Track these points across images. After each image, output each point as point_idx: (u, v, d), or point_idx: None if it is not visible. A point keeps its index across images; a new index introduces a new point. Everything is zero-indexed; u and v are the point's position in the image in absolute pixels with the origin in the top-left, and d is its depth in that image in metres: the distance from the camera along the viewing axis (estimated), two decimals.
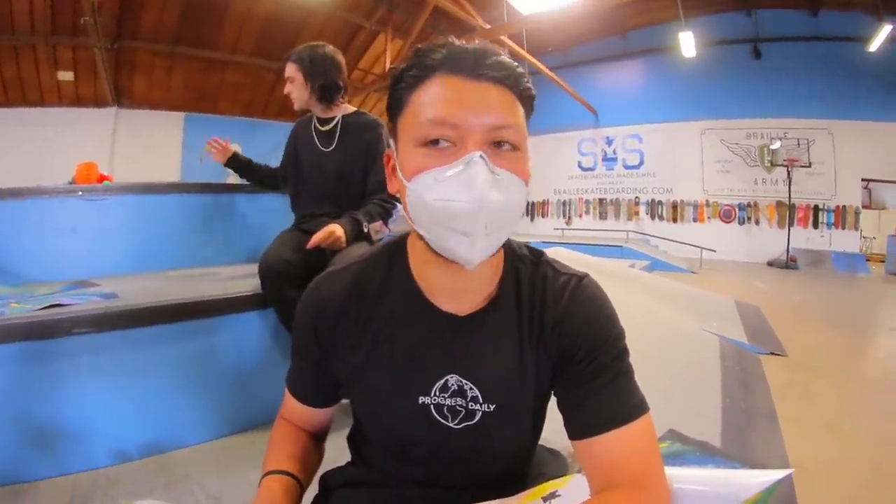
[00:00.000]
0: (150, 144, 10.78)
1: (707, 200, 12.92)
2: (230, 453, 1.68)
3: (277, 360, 1.93)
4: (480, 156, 0.57)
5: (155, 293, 1.82)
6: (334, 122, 2.13)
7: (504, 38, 9.97)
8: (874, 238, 14.11)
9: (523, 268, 0.73)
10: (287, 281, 1.77)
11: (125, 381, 1.61)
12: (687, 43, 10.02)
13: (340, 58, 2.15)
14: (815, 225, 11.77)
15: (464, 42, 0.64)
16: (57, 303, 1.62)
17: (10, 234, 2.36)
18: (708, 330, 3.72)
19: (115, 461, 1.56)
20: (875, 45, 9.86)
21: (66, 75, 9.41)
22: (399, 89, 0.65)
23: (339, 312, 0.73)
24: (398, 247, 0.75)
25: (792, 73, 11.72)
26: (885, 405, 2.75)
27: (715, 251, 11.07)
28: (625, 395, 0.66)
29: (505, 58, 0.63)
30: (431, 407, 0.70)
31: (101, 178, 3.17)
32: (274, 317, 1.90)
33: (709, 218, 12.90)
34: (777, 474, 0.68)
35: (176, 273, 2.48)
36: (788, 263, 10.79)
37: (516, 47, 10.68)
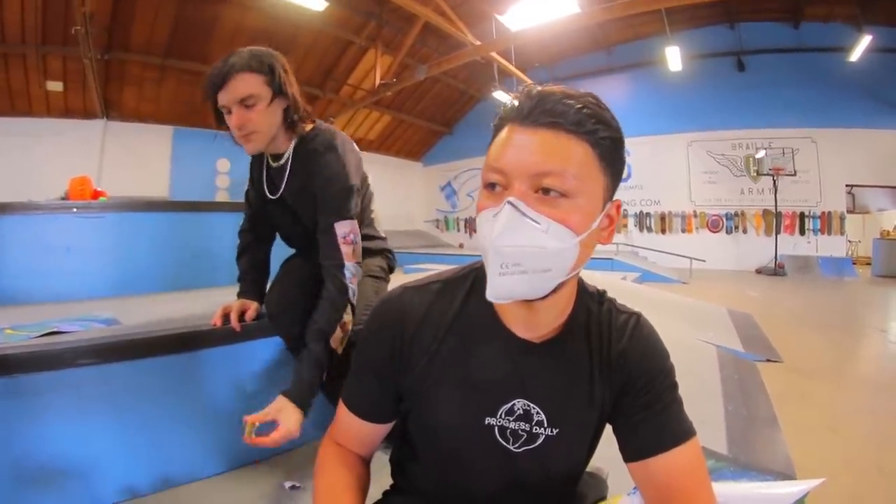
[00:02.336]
0: (139, 157, 10.68)
1: (695, 211, 13.08)
2: (245, 485, 1.63)
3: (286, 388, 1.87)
4: (510, 201, 0.60)
5: (159, 319, 1.75)
6: (286, 155, 1.57)
7: (493, 55, 10.09)
8: (859, 241, 14.52)
9: (592, 304, 0.78)
10: (294, 318, 1.61)
11: (133, 413, 1.53)
12: (673, 57, 10.20)
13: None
14: (802, 231, 11.95)
15: (541, 87, 0.66)
16: (56, 330, 1.52)
17: (1, 252, 2.27)
18: (704, 339, 3.75)
19: (124, 497, 1.48)
20: (856, 54, 10.14)
21: (55, 85, 9.29)
22: (491, 138, 0.69)
23: (419, 325, 0.75)
24: (479, 272, 0.78)
25: (775, 84, 11.96)
26: (882, 405, 2.80)
27: (704, 261, 11.18)
28: (676, 421, 0.72)
29: (570, 100, 0.62)
30: (496, 429, 0.73)
31: (96, 194, 3.06)
32: (282, 343, 1.80)
33: (697, 228, 13.04)
34: (809, 484, 0.75)
35: (174, 295, 2.39)
36: (777, 270, 10.95)
37: (504, 62, 10.83)
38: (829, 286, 9.18)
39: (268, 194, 1.65)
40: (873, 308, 6.98)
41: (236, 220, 2.72)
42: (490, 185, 0.64)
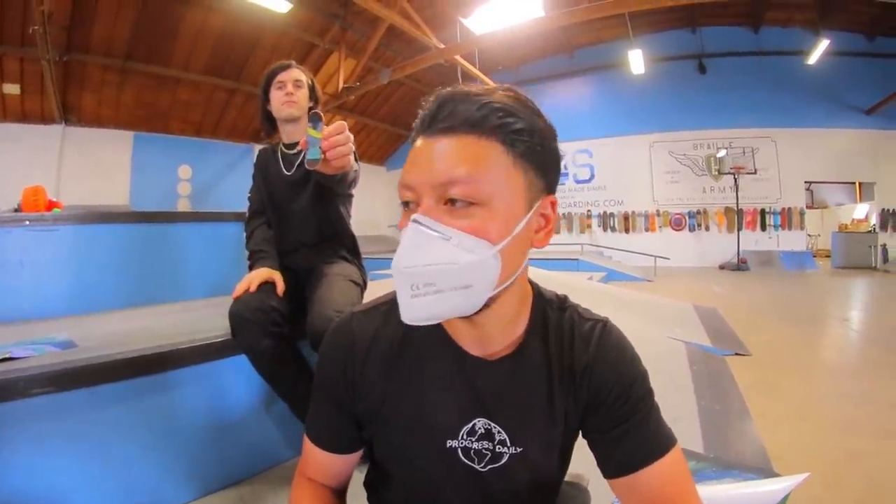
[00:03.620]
0: (98, 164, 10.34)
1: (658, 210, 13.33)
2: None
3: (258, 406, 1.78)
4: (415, 219, 0.57)
5: (118, 340, 1.61)
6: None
7: (457, 58, 10.12)
8: (818, 235, 15.16)
9: (551, 312, 0.73)
10: (260, 330, 1.54)
11: (95, 444, 1.40)
12: (636, 60, 10.37)
13: None
14: (763, 227, 12.34)
15: (444, 92, 0.62)
16: (7, 356, 1.39)
17: None
18: (672, 336, 3.81)
19: None
20: (814, 58, 10.50)
21: (11, 88, 8.88)
22: None
23: (368, 350, 0.72)
24: None
25: (736, 86, 12.36)
26: (846, 390, 2.90)
27: (668, 259, 11.39)
28: (657, 430, 0.69)
29: (473, 100, 0.59)
30: (459, 450, 0.69)
31: (51, 205, 2.85)
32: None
33: (660, 227, 13.30)
34: (794, 479, 0.75)
35: (134, 312, 2.26)
36: (739, 265, 11.30)
37: (468, 65, 10.87)
38: (791, 279, 9.47)
39: (284, 172, 1.92)
40: (834, 298, 7.20)
41: (201, 231, 2.70)
42: (404, 203, 0.61)
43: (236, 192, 11.02)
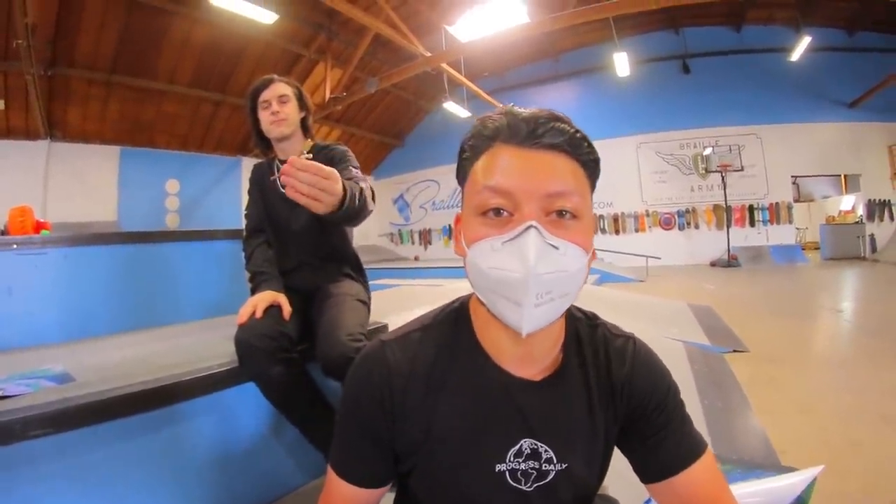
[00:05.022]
0: (85, 180, 10.20)
1: (647, 210, 13.37)
2: None
3: (267, 434, 1.69)
4: (533, 225, 0.58)
5: (117, 372, 1.51)
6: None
7: (443, 65, 10.14)
8: (806, 228, 15.39)
9: (582, 329, 0.76)
10: (269, 357, 1.46)
11: (98, 484, 1.30)
12: (621, 63, 10.41)
13: None
14: (752, 223, 12.42)
15: (522, 109, 0.65)
16: (1, 394, 1.28)
17: None
18: (670, 336, 3.82)
19: None
20: (796, 54, 10.68)
21: None
22: (463, 159, 0.68)
23: (407, 381, 0.70)
24: (461, 312, 0.75)
25: (720, 85, 12.47)
26: (843, 381, 2.94)
27: (660, 258, 11.42)
28: (691, 435, 0.73)
29: (564, 124, 0.63)
30: (507, 473, 0.69)
31: (39, 227, 2.73)
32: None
33: (650, 227, 13.33)
34: (812, 472, 0.82)
35: (129, 336, 2.12)
36: (730, 262, 11.34)
37: (454, 72, 10.89)
38: (782, 273, 9.56)
39: (281, 189, 1.68)
40: (826, 290, 7.26)
41: (194, 250, 2.60)
42: (492, 211, 0.61)
43: (225, 205, 11.09)
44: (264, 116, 1.86)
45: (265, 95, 1.86)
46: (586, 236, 0.62)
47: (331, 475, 0.74)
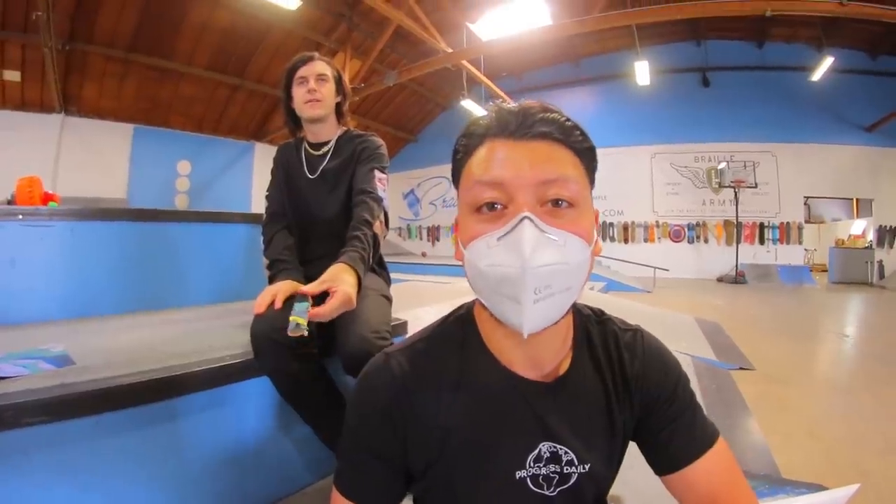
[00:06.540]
0: (97, 156, 10.21)
1: (657, 221, 13.33)
2: None
3: (277, 430, 1.59)
4: (527, 216, 0.56)
5: (120, 357, 1.41)
6: (329, 143, 1.82)
7: (464, 63, 10.10)
8: (815, 250, 15.32)
9: (591, 326, 0.74)
10: (288, 352, 1.35)
11: (96, 478, 1.20)
12: (642, 72, 10.37)
13: None
14: (762, 241, 12.36)
15: (509, 103, 0.64)
16: None
17: None
18: (678, 350, 3.78)
19: None
20: (818, 74, 10.57)
21: (12, 75, 8.72)
22: (457, 160, 0.66)
23: (416, 392, 0.67)
24: (467, 318, 0.73)
25: (738, 100, 12.41)
26: (851, 407, 2.90)
27: (667, 270, 11.39)
28: (703, 425, 0.73)
29: (554, 113, 0.62)
30: (528, 479, 0.66)
31: (47, 198, 2.66)
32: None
33: (659, 238, 13.29)
34: (847, 490, 0.80)
35: (135, 318, 2.03)
36: (737, 279, 11.30)
37: (474, 70, 10.84)
38: (789, 293, 9.50)
39: (307, 175, 1.81)
40: (833, 313, 7.22)
41: (205, 231, 2.51)
42: (485, 206, 0.60)
43: (235, 189, 11.05)
44: (299, 93, 1.78)
45: (303, 72, 1.79)
46: (586, 226, 0.60)
47: (335, 494, 0.70)
